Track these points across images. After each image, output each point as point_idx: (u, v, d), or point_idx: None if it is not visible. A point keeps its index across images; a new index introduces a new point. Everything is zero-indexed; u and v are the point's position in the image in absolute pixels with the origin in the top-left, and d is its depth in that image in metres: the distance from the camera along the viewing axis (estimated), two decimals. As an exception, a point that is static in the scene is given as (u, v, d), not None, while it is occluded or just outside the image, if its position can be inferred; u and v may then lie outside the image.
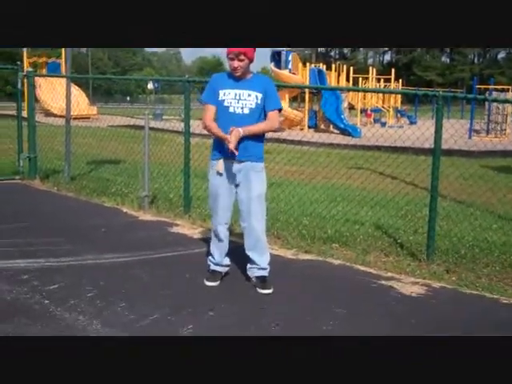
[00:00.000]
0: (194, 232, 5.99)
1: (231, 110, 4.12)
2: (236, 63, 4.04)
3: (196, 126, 7.20)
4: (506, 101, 6.26)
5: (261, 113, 4.19)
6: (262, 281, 4.36)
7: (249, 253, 4.36)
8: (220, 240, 4.40)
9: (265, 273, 4.39)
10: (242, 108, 4.11)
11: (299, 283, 4.55)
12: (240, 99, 4.11)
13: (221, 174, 4.21)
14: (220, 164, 4.19)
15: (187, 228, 6.15)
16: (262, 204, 4.29)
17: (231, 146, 3.91)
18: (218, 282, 4.45)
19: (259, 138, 4.22)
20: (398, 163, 8.89)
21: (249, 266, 4.44)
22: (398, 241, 5.74)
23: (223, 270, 4.54)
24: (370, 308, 4.07)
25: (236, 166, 4.19)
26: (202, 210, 6.78)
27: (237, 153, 3.96)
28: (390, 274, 4.85)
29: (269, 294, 4.27)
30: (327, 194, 7.97)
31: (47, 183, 8.50)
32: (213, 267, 4.52)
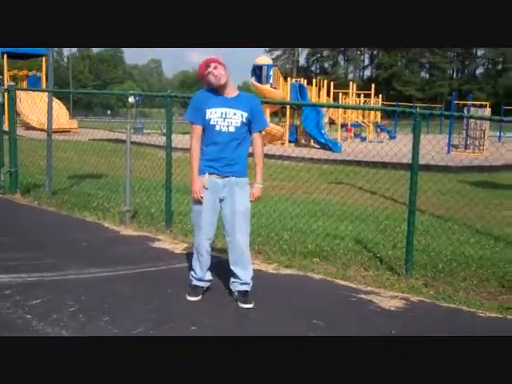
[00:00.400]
0: (176, 247, 6.02)
1: (217, 128, 4.19)
2: (216, 72, 4.13)
3: (178, 140, 7.26)
4: (481, 118, 6.40)
5: (246, 130, 4.28)
6: (244, 295, 4.41)
7: (232, 267, 4.41)
8: (202, 255, 4.43)
9: (247, 287, 4.44)
10: (228, 126, 4.19)
11: (280, 297, 4.61)
12: (226, 117, 4.19)
13: (206, 189, 4.26)
14: (205, 179, 4.24)
15: (168, 243, 6.18)
16: (246, 219, 4.35)
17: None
18: (199, 297, 4.49)
19: (243, 153, 4.30)
20: (377, 178, 9.02)
21: (232, 280, 4.49)
22: (378, 255, 5.83)
23: (205, 284, 4.58)
24: (349, 321, 4.14)
25: (220, 182, 4.25)
26: (183, 224, 6.82)
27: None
28: (369, 288, 4.93)
29: (250, 308, 4.32)
30: (308, 208, 8.05)
31: (28, 198, 8.48)
32: (195, 282, 4.55)
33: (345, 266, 5.50)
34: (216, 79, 4.15)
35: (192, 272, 4.57)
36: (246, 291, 4.43)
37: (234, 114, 4.20)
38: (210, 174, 4.24)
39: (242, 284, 4.42)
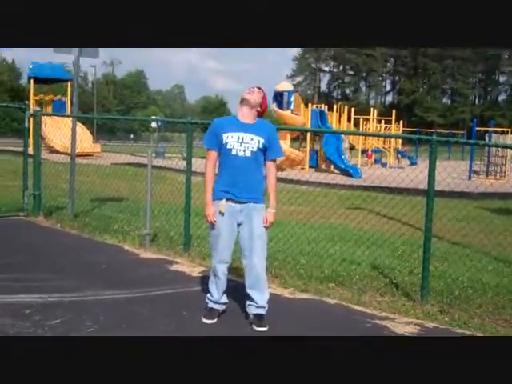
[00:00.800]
0: (193, 270, 6.11)
1: (234, 152, 4.29)
2: (243, 108, 4.33)
3: (198, 164, 7.38)
4: (495, 145, 6.44)
5: (261, 156, 4.38)
6: (259, 319, 4.46)
7: (249, 291, 4.47)
8: (219, 278, 4.50)
9: (262, 311, 4.49)
10: (244, 151, 4.29)
11: (295, 322, 4.65)
12: (243, 142, 4.29)
13: (223, 214, 4.34)
14: (222, 205, 4.33)
15: (186, 266, 6.28)
16: (263, 243, 4.43)
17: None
18: (215, 320, 4.55)
19: (260, 179, 4.41)
20: (394, 204, 9.05)
21: (248, 303, 4.55)
22: (394, 281, 5.85)
23: (221, 307, 4.64)
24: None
25: (238, 207, 4.34)
26: (201, 248, 6.91)
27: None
28: (384, 314, 4.95)
29: (264, 331, 4.37)
30: (325, 233, 8.10)
31: (51, 220, 8.64)
32: (211, 305, 4.62)
33: (360, 291, 5.54)
34: (241, 115, 4.38)
35: (208, 295, 4.63)
36: (262, 315, 4.48)
37: (252, 139, 4.30)
38: (227, 199, 4.33)
39: (257, 307, 4.48)
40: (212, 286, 4.59)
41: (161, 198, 8.88)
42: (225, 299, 4.65)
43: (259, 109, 4.40)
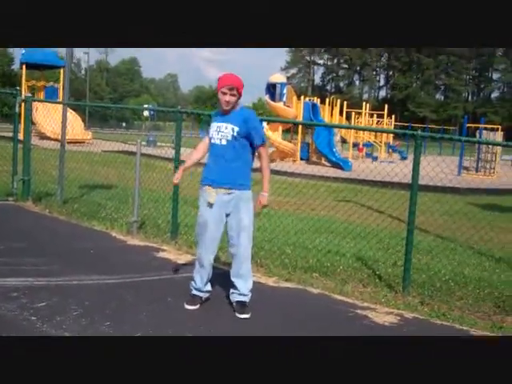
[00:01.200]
0: (180, 257, 6.17)
1: (213, 141, 4.49)
2: (228, 97, 4.37)
3: (187, 153, 7.42)
4: (477, 142, 6.50)
5: (241, 144, 4.44)
6: (242, 306, 4.54)
7: (233, 279, 4.57)
8: (204, 267, 4.57)
9: (245, 299, 4.58)
10: (221, 139, 4.43)
11: (277, 310, 4.72)
12: (220, 131, 4.44)
13: (211, 206, 4.42)
14: (211, 195, 4.41)
15: (173, 253, 6.33)
16: (249, 233, 4.52)
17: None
18: (197, 306, 4.62)
19: (240, 166, 4.46)
20: (384, 198, 9.13)
21: (231, 290, 4.64)
22: (377, 272, 5.94)
23: (204, 295, 4.71)
24: (342, 334, 4.26)
25: (226, 197, 4.42)
26: (188, 236, 6.97)
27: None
28: (365, 304, 5.04)
29: (246, 318, 4.44)
30: (312, 224, 8.17)
31: (40, 205, 8.67)
32: (194, 292, 4.69)
33: (344, 281, 5.62)
34: (225, 104, 4.41)
35: (192, 282, 4.70)
36: (244, 302, 4.57)
37: (226, 127, 4.42)
38: (214, 186, 4.42)
39: (240, 295, 4.56)
40: (196, 275, 4.65)
41: (150, 186, 8.93)
42: (208, 287, 4.72)
43: (239, 93, 4.43)
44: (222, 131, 4.42)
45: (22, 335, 3.76)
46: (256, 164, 4.58)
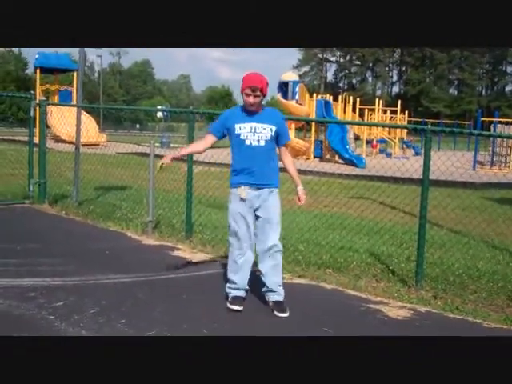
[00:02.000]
0: (194, 256, 6.24)
1: (247, 142, 4.40)
2: (252, 99, 4.34)
3: (205, 154, 7.48)
4: (490, 135, 6.50)
5: (273, 143, 4.49)
6: (280, 304, 4.57)
7: (265, 277, 4.57)
8: (239, 264, 4.56)
9: (281, 297, 4.60)
10: (258, 140, 4.40)
11: (291, 306, 4.75)
12: (256, 132, 4.40)
13: (244, 200, 4.45)
14: (243, 190, 4.44)
15: (188, 252, 6.41)
16: (278, 227, 4.55)
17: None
18: (242, 307, 4.57)
19: (274, 166, 4.52)
20: (397, 193, 9.14)
21: (264, 289, 4.65)
22: (390, 267, 5.97)
23: (244, 294, 4.70)
24: (355, 328, 4.30)
25: (255, 193, 4.44)
26: (203, 235, 7.04)
27: None
28: (379, 299, 5.07)
29: (286, 316, 4.47)
30: (325, 221, 8.19)
31: (56, 207, 8.79)
32: (234, 293, 4.66)
33: (357, 277, 5.65)
34: (249, 105, 4.38)
35: (228, 283, 4.69)
36: (281, 300, 4.58)
37: (264, 128, 4.40)
38: (245, 185, 4.44)
39: (274, 293, 4.57)
40: (231, 274, 4.64)
41: (164, 187, 9.00)
42: (247, 286, 4.69)
43: (263, 94, 4.42)
44: (260, 132, 4.38)
45: (41, 334, 3.85)
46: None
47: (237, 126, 4.42)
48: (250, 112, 4.43)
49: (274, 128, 4.42)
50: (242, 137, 4.41)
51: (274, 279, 4.56)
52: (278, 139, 4.51)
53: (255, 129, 4.40)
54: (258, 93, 4.33)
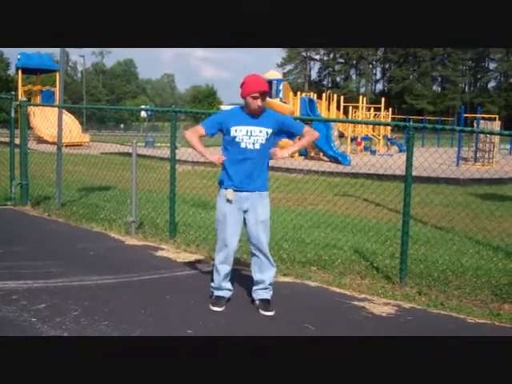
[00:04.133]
0: (178, 256, 6.21)
1: (243, 145, 4.36)
2: (260, 102, 4.30)
3: (187, 153, 7.44)
4: (472, 131, 6.53)
5: (268, 144, 4.44)
6: (266, 303, 4.56)
7: (257, 275, 4.56)
8: (223, 264, 4.55)
9: (269, 295, 4.59)
10: (254, 143, 4.37)
11: (275, 304, 4.74)
12: (252, 135, 4.36)
13: (231, 202, 4.42)
14: (230, 192, 4.40)
15: (172, 252, 6.38)
16: (267, 227, 4.53)
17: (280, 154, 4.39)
18: (223, 308, 4.57)
19: (265, 169, 4.52)
20: (381, 190, 9.16)
21: (254, 288, 4.64)
22: (375, 264, 5.98)
23: (225, 294, 4.68)
24: (339, 326, 4.30)
25: (244, 194, 4.42)
26: (186, 235, 7.01)
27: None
28: (363, 296, 5.08)
29: (271, 315, 4.46)
30: (310, 219, 8.20)
31: (38, 209, 8.72)
32: (216, 293, 4.67)
33: (341, 274, 5.66)
34: (257, 109, 4.33)
35: (212, 283, 4.69)
36: (268, 299, 4.58)
37: (260, 131, 4.37)
38: (230, 188, 4.41)
39: (263, 291, 4.57)
40: (217, 274, 4.62)
41: (148, 187, 8.96)
42: (229, 285, 4.69)
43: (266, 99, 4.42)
44: (256, 135, 4.35)
45: (22, 335, 3.80)
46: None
47: (233, 129, 4.38)
48: (248, 115, 4.40)
49: (269, 131, 4.40)
50: (237, 139, 4.37)
51: (264, 277, 4.55)
52: (291, 132, 4.51)
53: (251, 132, 4.37)
54: (265, 96, 4.33)
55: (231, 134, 4.39)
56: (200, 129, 4.51)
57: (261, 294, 4.59)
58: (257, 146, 4.37)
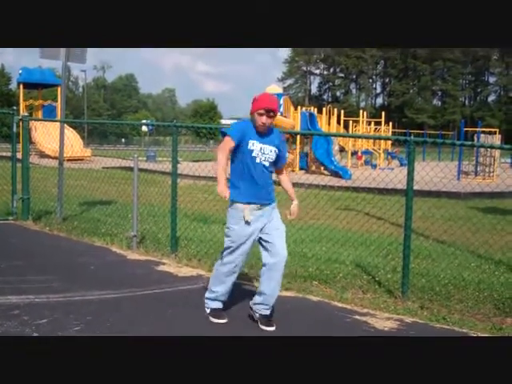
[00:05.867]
0: (180, 270, 6.20)
1: (257, 160, 4.37)
2: (265, 119, 4.31)
3: (189, 167, 7.47)
4: (472, 145, 6.54)
5: (273, 164, 4.53)
6: (268, 318, 4.53)
7: (266, 290, 4.47)
8: (230, 278, 4.54)
9: (270, 311, 4.54)
10: (266, 160, 4.41)
11: (276, 319, 4.71)
12: (264, 153, 4.40)
13: (249, 224, 4.37)
14: (247, 213, 4.35)
15: (173, 267, 6.37)
16: (284, 238, 4.49)
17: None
18: (226, 319, 4.59)
19: (272, 181, 4.55)
20: (383, 204, 9.16)
21: (257, 303, 4.57)
22: (376, 279, 5.97)
23: (221, 305, 4.70)
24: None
25: (259, 212, 4.40)
26: (188, 249, 7.01)
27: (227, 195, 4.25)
28: (365, 310, 5.07)
29: (272, 330, 4.43)
30: (311, 233, 8.20)
31: (40, 224, 8.72)
32: (212, 305, 4.67)
33: (343, 288, 5.65)
34: (261, 126, 4.34)
35: (212, 295, 4.66)
36: (270, 315, 4.54)
37: (271, 150, 4.42)
38: (245, 204, 4.37)
39: (266, 306, 4.51)
40: (215, 284, 4.61)
41: (150, 201, 8.96)
42: (226, 298, 4.70)
43: (275, 116, 4.41)
44: (267, 153, 4.39)
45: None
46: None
47: (250, 142, 4.37)
48: (259, 132, 4.39)
49: (276, 150, 4.46)
50: (253, 154, 4.37)
51: (273, 293, 4.49)
52: (277, 160, 4.52)
53: (264, 150, 4.40)
54: (272, 114, 4.32)
55: (248, 147, 4.36)
56: (229, 142, 4.35)
57: (263, 309, 4.54)
58: (266, 163, 4.42)
